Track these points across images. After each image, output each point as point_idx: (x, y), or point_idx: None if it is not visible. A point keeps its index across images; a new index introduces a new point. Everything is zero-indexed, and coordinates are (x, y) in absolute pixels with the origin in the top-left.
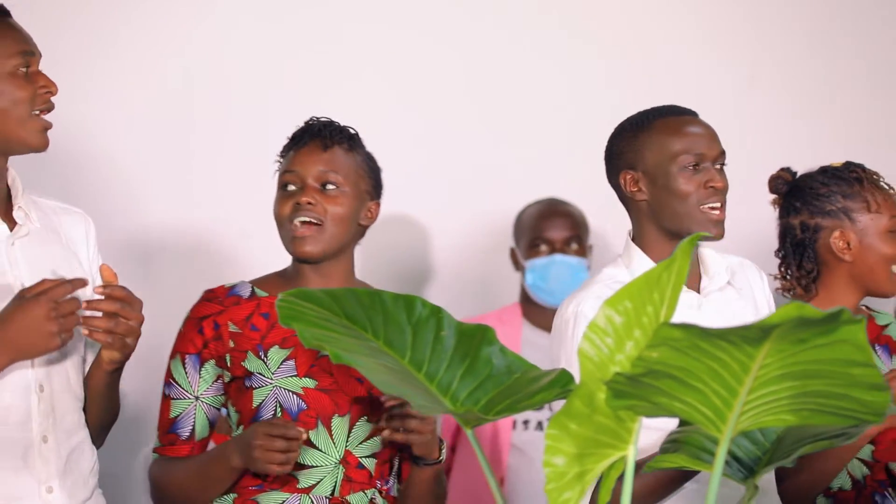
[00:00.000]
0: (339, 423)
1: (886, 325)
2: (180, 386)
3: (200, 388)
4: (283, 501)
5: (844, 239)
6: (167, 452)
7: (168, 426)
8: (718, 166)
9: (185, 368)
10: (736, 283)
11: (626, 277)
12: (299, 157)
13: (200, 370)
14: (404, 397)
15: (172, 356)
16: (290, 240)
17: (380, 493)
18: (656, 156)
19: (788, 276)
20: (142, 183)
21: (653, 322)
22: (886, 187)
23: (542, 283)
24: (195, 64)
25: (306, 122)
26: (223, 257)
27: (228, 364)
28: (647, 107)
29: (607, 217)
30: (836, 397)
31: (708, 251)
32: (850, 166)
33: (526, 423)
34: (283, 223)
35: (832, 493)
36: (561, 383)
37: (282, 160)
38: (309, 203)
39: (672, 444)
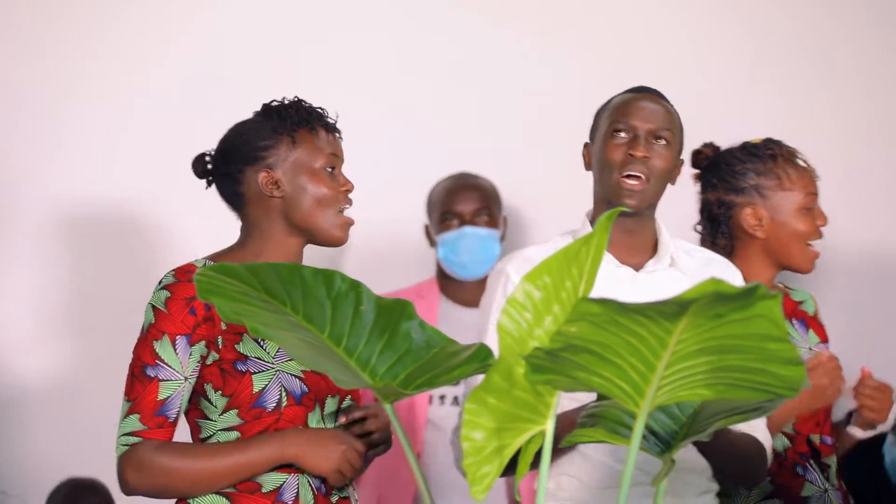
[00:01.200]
0: (332, 404)
1: (802, 301)
2: (171, 367)
3: (189, 368)
4: (283, 482)
5: (756, 216)
6: (156, 436)
7: (157, 408)
8: (663, 142)
9: (175, 349)
10: (689, 272)
11: (566, 244)
12: (337, 141)
13: (191, 351)
14: (324, 372)
15: (156, 336)
16: (336, 225)
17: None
18: (599, 129)
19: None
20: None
21: (571, 297)
22: (803, 164)
23: (454, 256)
24: (165, 47)
25: (318, 107)
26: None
27: (220, 346)
28: None
29: (525, 194)
30: (752, 372)
31: (665, 233)
32: (767, 143)
33: (442, 398)
34: (330, 204)
35: None
36: (480, 358)
37: (308, 135)
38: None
39: (589, 418)
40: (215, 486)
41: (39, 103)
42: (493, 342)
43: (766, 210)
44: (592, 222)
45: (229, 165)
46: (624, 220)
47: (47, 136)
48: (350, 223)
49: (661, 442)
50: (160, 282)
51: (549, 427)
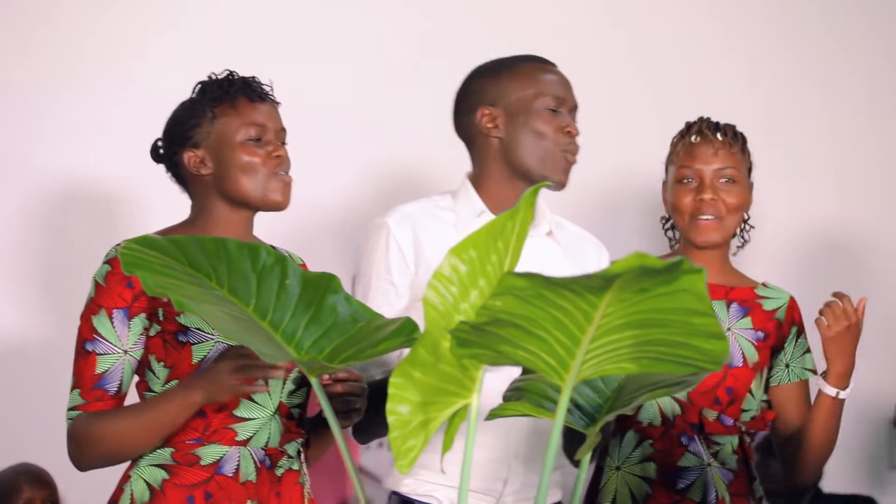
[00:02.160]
0: None
1: (768, 298)
2: (108, 341)
3: (129, 341)
4: (223, 455)
5: (664, 191)
6: (94, 409)
7: (95, 382)
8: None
9: (112, 323)
10: (563, 243)
11: (447, 204)
12: (263, 109)
13: (129, 324)
14: (249, 346)
15: (94, 311)
16: (270, 189)
17: (302, 441)
18: (519, 94)
19: (668, 235)
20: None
21: (497, 271)
22: (693, 140)
23: None
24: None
25: (247, 78)
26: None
27: (161, 318)
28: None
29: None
30: (676, 346)
31: (542, 202)
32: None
33: None
34: (262, 172)
35: (642, 427)
36: (405, 332)
37: (228, 108)
38: (286, 157)
39: (515, 392)
40: (144, 442)
41: (29, 93)
42: (379, 298)
43: (667, 184)
44: (474, 181)
45: (168, 149)
46: (522, 187)
47: (34, 121)
48: (286, 183)
49: (586, 415)
50: (105, 256)
51: (475, 401)
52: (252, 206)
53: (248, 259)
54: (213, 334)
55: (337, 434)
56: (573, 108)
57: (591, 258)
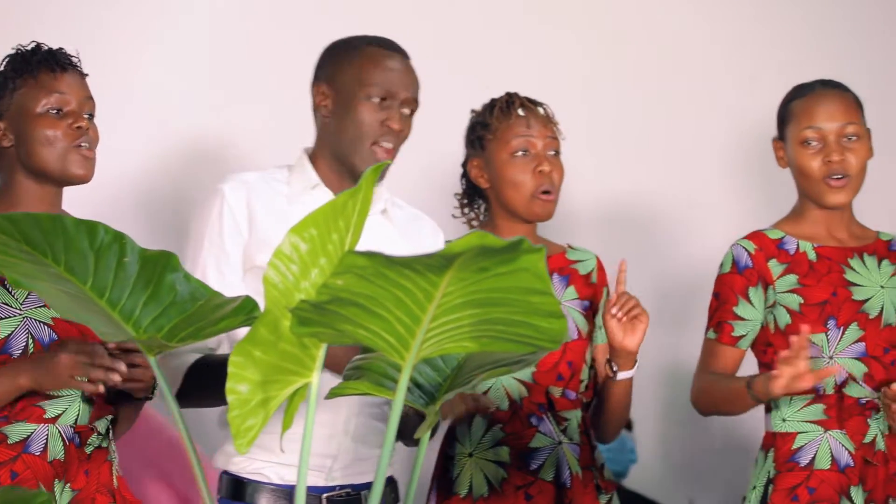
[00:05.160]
0: None
1: (579, 261)
2: None
3: None
4: (31, 433)
5: (478, 166)
6: None
7: None
8: (408, 111)
9: None
10: (398, 223)
11: (282, 177)
12: (65, 80)
13: None
14: (87, 324)
15: None
16: (70, 162)
17: (112, 418)
18: (350, 78)
19: (465, 213)
20: None
21: (338, 250)
22: (520, 113)
23: None
24: None
25: (42, 46)
26: None
27: None
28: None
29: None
30: (515, 324)
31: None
32: (503, 96)
33: None
34: (59, 144)
35: (489, 412)
36: (245, 310)
37: (28, 79)
38: (88, 129)
39: (355, 370)
40: None
41: None
42: (210, 263)
43: (484, 160)
44: (312, 159)
45: None
46: (343, 169)
47: None
48: (87, 157)
49: (426, 394)
50: None
51: (315, 379)
52: (53, 180)
53: (86, 236)
54: (20, 310)
55: (172, 406)
56: (407, 101)
57: (427, 240)
